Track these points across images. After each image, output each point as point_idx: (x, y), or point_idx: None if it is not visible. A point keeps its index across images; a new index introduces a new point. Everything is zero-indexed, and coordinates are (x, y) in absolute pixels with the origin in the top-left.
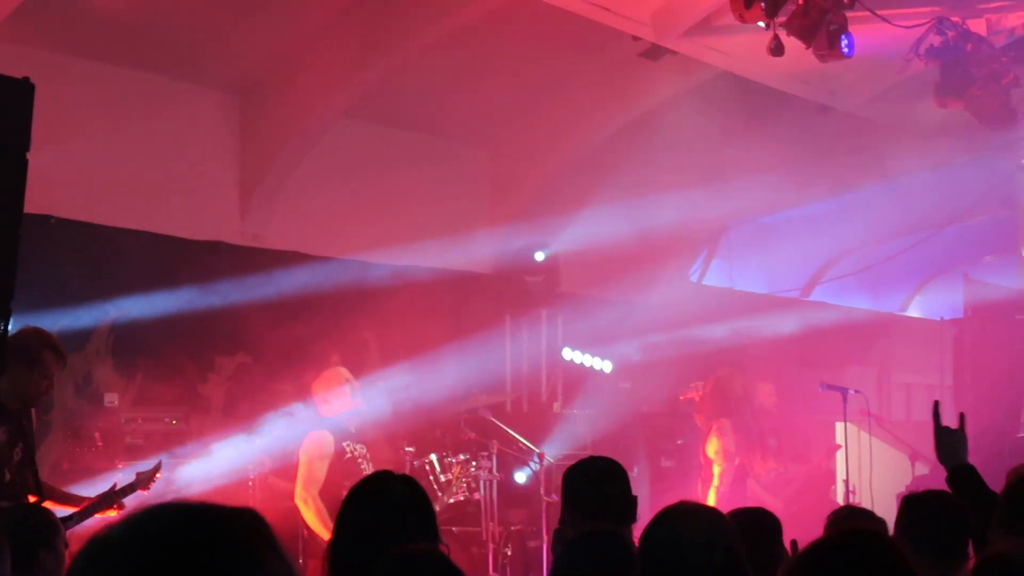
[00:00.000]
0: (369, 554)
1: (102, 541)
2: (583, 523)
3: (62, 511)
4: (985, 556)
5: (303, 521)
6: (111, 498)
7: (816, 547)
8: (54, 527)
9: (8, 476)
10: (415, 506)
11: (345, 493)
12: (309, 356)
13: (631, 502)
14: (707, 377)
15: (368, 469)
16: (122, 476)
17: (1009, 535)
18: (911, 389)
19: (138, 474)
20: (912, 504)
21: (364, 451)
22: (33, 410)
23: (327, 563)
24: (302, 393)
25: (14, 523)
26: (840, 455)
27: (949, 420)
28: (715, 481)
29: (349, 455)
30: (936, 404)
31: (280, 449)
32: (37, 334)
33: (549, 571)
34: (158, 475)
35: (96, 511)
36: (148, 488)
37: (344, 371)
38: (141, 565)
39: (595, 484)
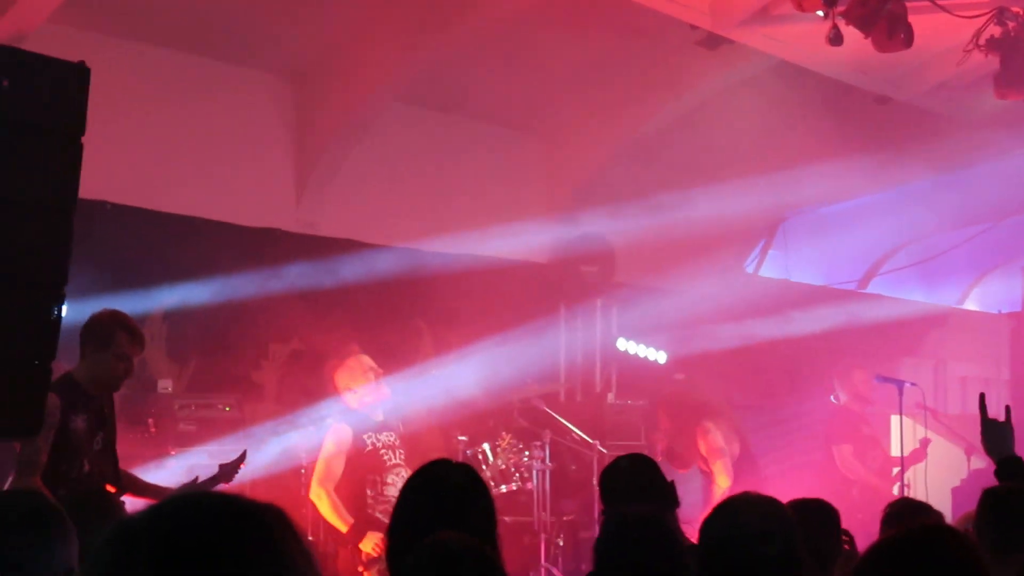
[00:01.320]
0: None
1: (128, 527)
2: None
3: (142, 503)
4: None
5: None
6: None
7: (891, 542)
8: (117, 511)
9: (87, 466)
10: (473, 494)
11: (368, 486)
12: (363, 345)
13: (667, 488)
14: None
15: (394, 460)
16: (175, 463)
17: None
18: (967, 382)
19: (221, 465)
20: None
21: (391, 440)
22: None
23: (386, 549)
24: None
25: (72, 508)
26: (895, 449)
27: (1001, 414)
28: (719, 480)
29: (370, 447)
30: (982, 396)
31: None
32: (111, 315)
33: (593, 556)
34: (242, 465)
35: None
36: (231, 480)
37: (367, 359)
38: (163, 555)
39: (627, 479)
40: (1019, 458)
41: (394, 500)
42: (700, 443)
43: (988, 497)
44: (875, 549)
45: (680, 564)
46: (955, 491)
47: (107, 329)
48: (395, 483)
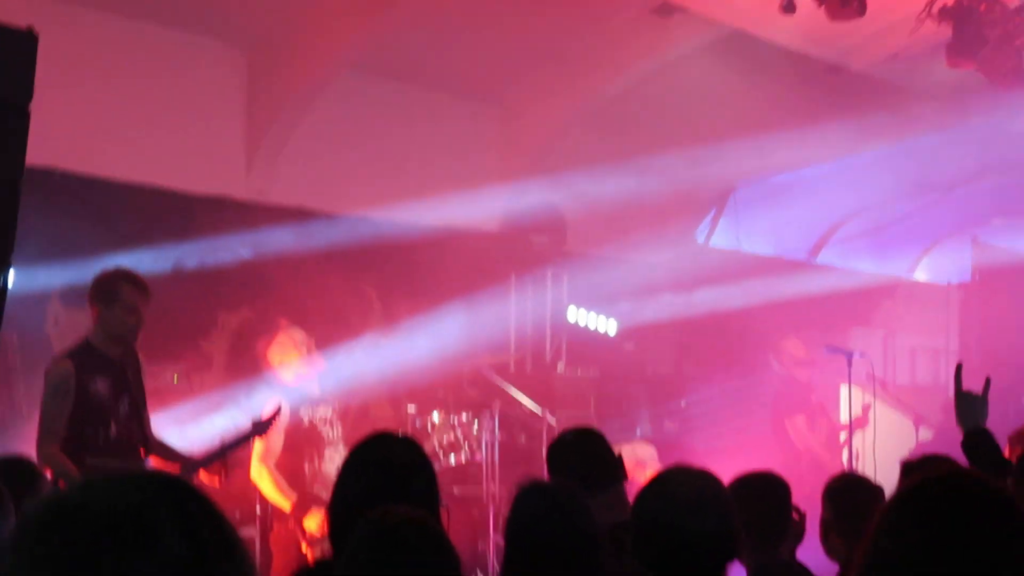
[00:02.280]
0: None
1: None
2: None
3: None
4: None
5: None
6: (218, 455)
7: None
8: (38, 477)
9: (115, 430)
10: (415, 468)
11: (306, 461)
12: (313, 312)
13: (614, 461)
14: None
15: (331, 433)
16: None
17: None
18: (916, 353)
19: (254, 421)
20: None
21: (328, 414)
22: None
23: (327, 525)
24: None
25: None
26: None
27: (949, 386)
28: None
29: (308, 422)
30: (959, 367)
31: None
32: (114, 271)
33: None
34: (277, 419)
35: (201, 467)
36: (265, 433)
37: (298, 333)
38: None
39: (571, 454)
40: (987, 431)
41: (332, 476)
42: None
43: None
44: (895, 506)
45: (588, 538)
46: (903, 463)
47: (111, 284)
48: (332, 459)
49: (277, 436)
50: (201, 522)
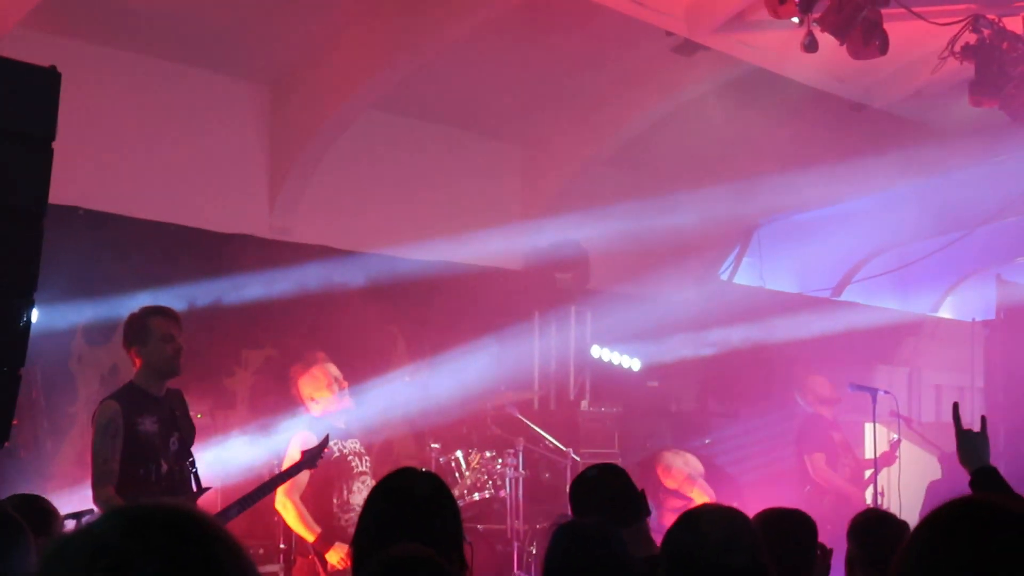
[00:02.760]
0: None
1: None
2: None
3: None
4: None
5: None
6: (270, 486)
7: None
8: (54, 517)
9: (166, 467)
10: (438, 503)
11: (335, 493)
12: (337, 351)
13: (636, 497)
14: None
15: (360, 467)
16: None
17: None
18: (941, 390)
19: (303, 452)
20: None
21: (356, 447)
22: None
23: (351, 560)
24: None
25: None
26: (869, 454)
27: (975, 422)
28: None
29: (337, 454)
30: (956, 406)
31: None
32: (142, 310)
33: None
34: (326, 450)
35: (256, 501)
36: (315, 465)
37: (333, 369)
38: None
39: (594, 491)
40: (994, 468)
41: (358, 508)
42: (667, 480)
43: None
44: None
45: (626, 571)
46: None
47: (141, 321)
48: (360, 491)
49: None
50: (178, 554)
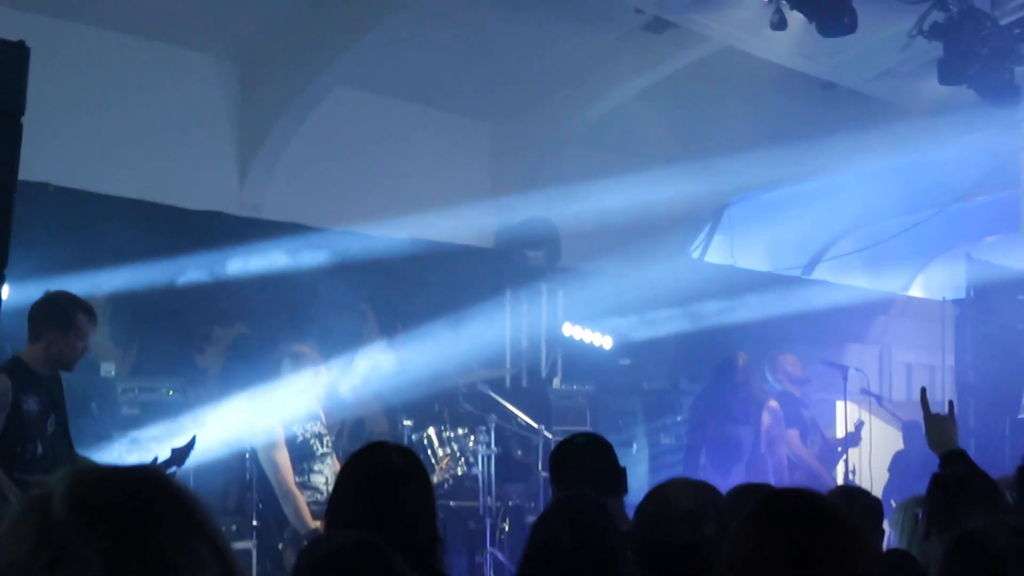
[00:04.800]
0: (366, 526)
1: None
2: None
3: None
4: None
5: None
6: None
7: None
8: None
9: (41, 449)
10: (412, 477)
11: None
12: (307, 327)
13: (618, 473)
14: None
15: (322, 448)
16: (117, 446)
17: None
18: (912, 369)
19: (173, 450)
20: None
21: (318, 427)
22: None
23: (325, 531)
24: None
25: None
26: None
27: (945, 400)
28: None
29: (300, 438)
30: (923, 391)
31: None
32: (68, 297)
33: (526, 538)
34: (192, 450)
35: None
36: (183, 463)
37: (308, 348)
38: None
39: (579, 459)
40: (963, 452)
41: (322, 487)
42: None
43: (935, 482)
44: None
45: (611, 551)
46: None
47: (67, 310)
48: (321, 471)
49: (283, 454)
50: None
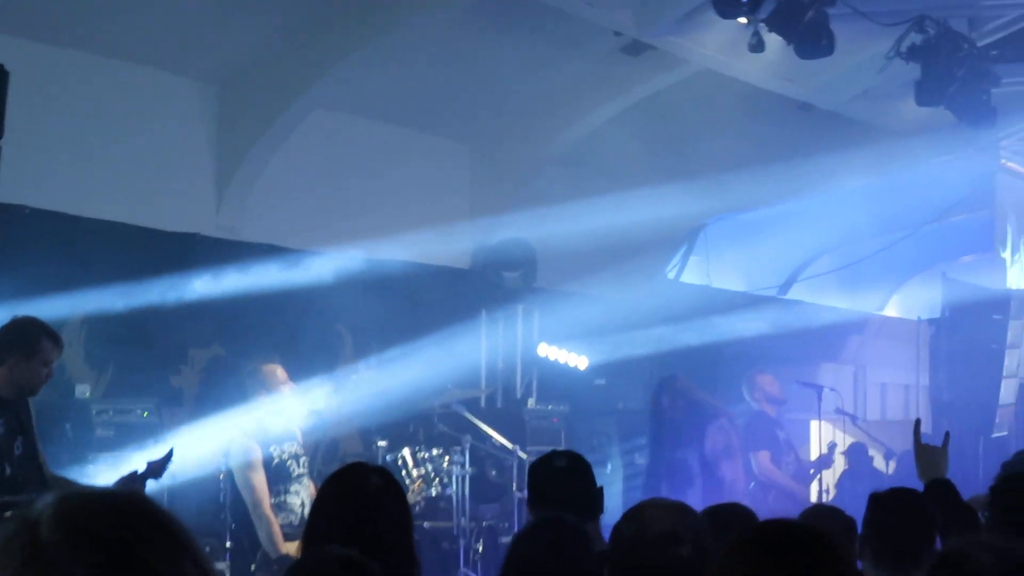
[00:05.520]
0: (344, 545)
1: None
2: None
3: None
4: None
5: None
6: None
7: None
8: None
9: (8, 470)
10: (390, 498)
11: (272, 495)
12: (283, 349)
13: (596, 494)
14: None
15: (298, 469)
16: (92, 468)
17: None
18: (887, 388)
19: (150, 463)
20: (876, 503)
21: (294, 447)
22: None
23: (302, 551)
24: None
25: None
26: (814, 453)
27: (923, 419)
28: None
29: (277, 460)
30: (917, 423)
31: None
32: (33, 323)
33: (503, 559)
34: (169, 463)
35: None
36: (160, 476)
37: (279, 370)
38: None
39: (558, 479)
40: (948, 481)
41: (297, 508)
42: None
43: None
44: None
45: (593, 573)
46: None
47: (32, 336)
48: (297, 492)
49: (260, 476)
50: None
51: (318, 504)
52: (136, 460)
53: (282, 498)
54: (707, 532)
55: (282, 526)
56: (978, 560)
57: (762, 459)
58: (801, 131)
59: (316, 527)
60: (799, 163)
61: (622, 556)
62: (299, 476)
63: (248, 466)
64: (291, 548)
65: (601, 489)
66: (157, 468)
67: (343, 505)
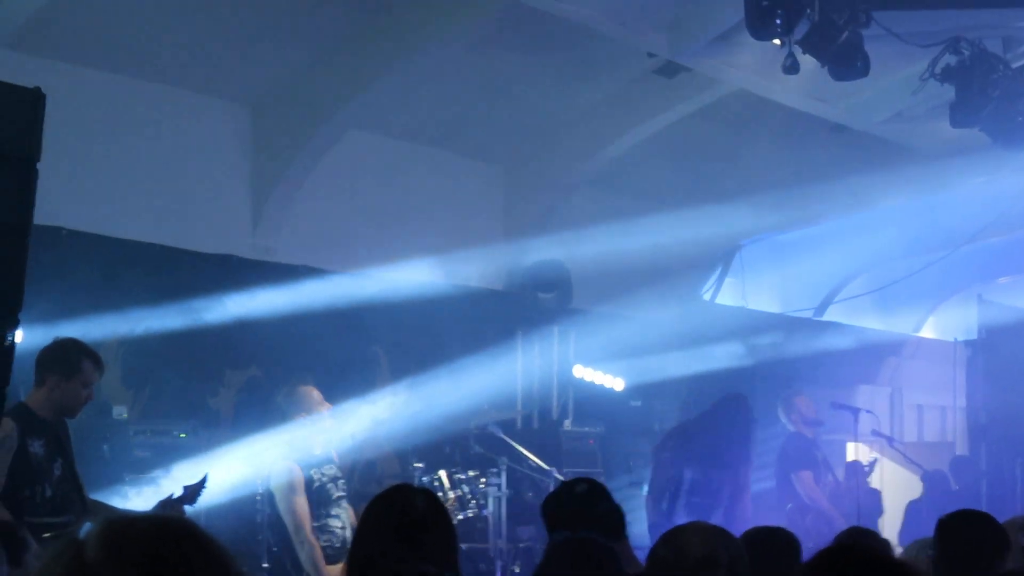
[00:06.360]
0: (389, 568)
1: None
2: None
3: None
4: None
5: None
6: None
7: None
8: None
9: (49, 492)
10: (435, 520)
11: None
12: (319, 370)
13: (619, 515)
14: None
15: (337, 491)
16: (129, 490)
17: None
18: (923, 410)
19: (185, 487)
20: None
21: (333, 471)
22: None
23: (348, 574)
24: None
25: None
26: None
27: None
28: None
29: (318, 483)
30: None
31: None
32: (75, 344)
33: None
34: (204, 488)
35: None
36: (195, 502)
37: (316, 392)
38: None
39: (581, 504)
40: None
41: (338, 531)
42: None
43: (941, 526)
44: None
45: None
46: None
47: (73, 358)
48: (338, 515)
49: (302, 500)
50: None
51: (364, 527)
52: (173, 482)
53: (323, 521)
54: (743, 556)
55: (323, 548)
56: None
57: (805, 479)
58: (835, 152)
59: (363, 549)
60: (833, 184)
61: None
62: (339, 499)
63: (290, 489)
64: (334, 571)
65: (622, 512)
66: (192, 493)
67: (390, 528)
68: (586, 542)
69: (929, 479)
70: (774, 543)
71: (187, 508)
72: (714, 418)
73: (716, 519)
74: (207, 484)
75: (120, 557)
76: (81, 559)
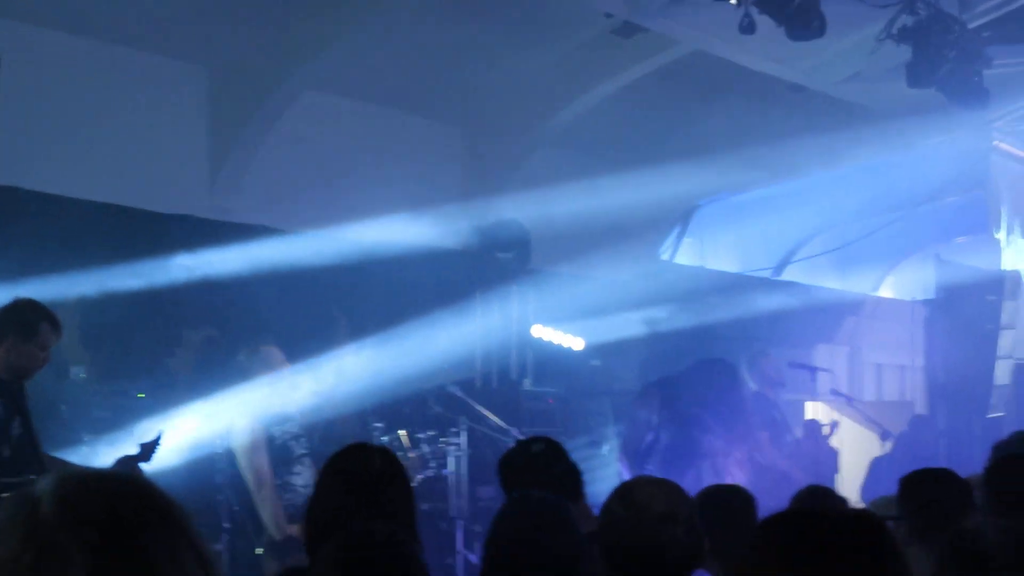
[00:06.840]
0: (346, 525)
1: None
2: None
3: None
4: (954, 532)
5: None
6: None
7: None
8: None
9: (7, 451)
10: (392, 478)
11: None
12: (277, 330)
13: (576, 475)
14: None
15: (299, 449)
16: (87, 449)
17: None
18: (882, 369)
19: (141, 444)
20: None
21: (296, 429)
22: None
23: (306, 533)
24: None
25: None
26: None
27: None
28: None
29: (280, 441)
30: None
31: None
32: (33, 306)
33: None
34: (159, 445)
35: None
36: (150, 459)
37: (276, 351)
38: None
39: (536, 464)
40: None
41: (300, 489)
42: None
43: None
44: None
45: (577, 549)
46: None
47: (31, 320)
48: (301, 472)
49: (262, 458)
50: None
51: (322, 485)
52: (131, 442)
53: (285, 479)
54: (697, 513)
55: (285, 507)
56: (986, 538)
57: (761, 439)
58: (793, 113)
59: (321, 507)
60: (791, 144)
61: (616, 536)
62: (301, 456)
63: (252, 447)
64: (295, 530)
65: (580, 472)
66: (147, 451)
67: (347, 486)
68: (538, 499)
69: (913, 424)
70: (730, 501)
71: (143, 465)
72: (691, 380)
73: (687, 481)
74: (162, 441)
75: (74, 514)
76: (36, 516)
